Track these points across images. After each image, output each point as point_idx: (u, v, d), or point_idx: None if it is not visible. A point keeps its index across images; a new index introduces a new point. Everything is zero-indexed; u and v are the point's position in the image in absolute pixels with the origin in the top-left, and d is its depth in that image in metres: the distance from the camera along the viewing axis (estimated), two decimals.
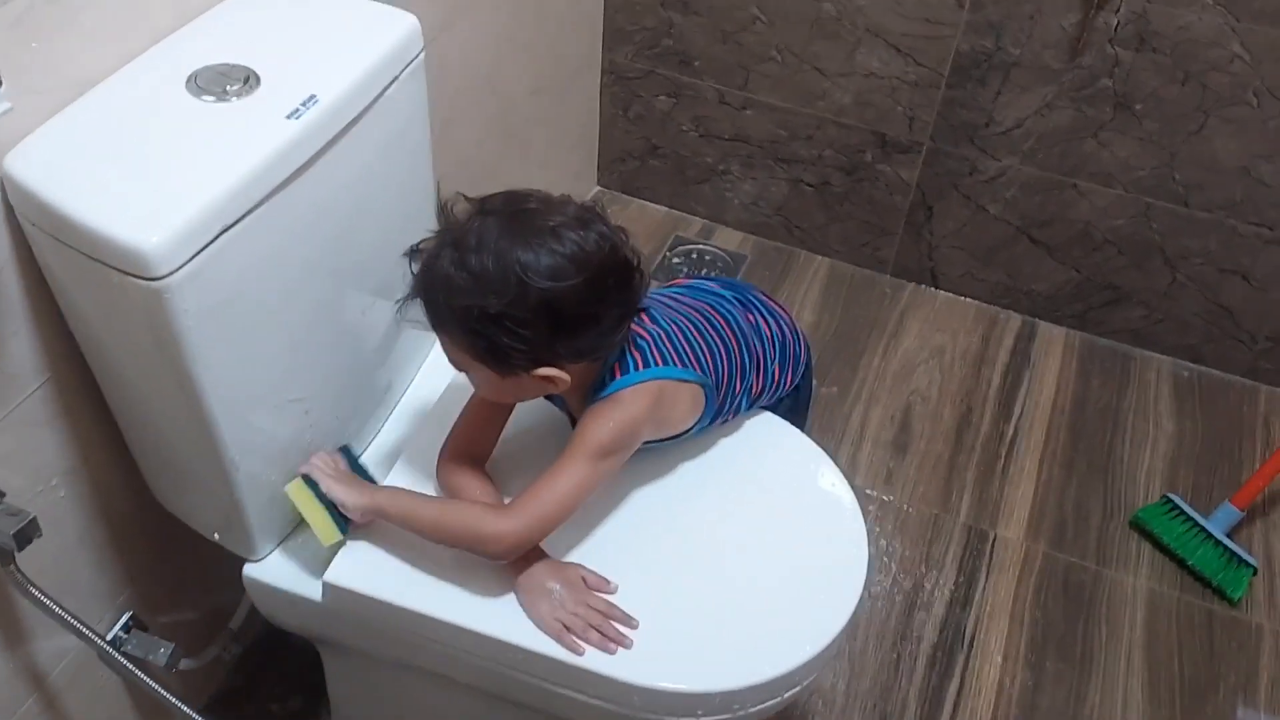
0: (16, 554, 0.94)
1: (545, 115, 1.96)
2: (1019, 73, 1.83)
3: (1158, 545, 1.75)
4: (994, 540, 1.75)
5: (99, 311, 0.93)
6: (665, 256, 2.19)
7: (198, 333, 0.88)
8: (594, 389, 1.09)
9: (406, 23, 1.06)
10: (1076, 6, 1.73)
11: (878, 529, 1.76)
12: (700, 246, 2.23)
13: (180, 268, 0.84)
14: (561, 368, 1.02)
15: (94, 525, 1.13)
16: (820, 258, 2.23)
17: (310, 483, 1.09)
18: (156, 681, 1.13)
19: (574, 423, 1.16)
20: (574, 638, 1.03)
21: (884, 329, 2.09)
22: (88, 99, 0.93)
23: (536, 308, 0.97)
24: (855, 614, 1.09)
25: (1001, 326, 2.12)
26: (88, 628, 1.05)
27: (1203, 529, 1.72)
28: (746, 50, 1.99)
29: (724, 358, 1.17)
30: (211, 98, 0.94)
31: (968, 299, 2.16)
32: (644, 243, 2.21)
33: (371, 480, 1.16)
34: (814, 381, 1.38)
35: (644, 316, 1.12)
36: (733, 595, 1.10)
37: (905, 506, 1.79)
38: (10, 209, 0.89)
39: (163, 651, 1.18)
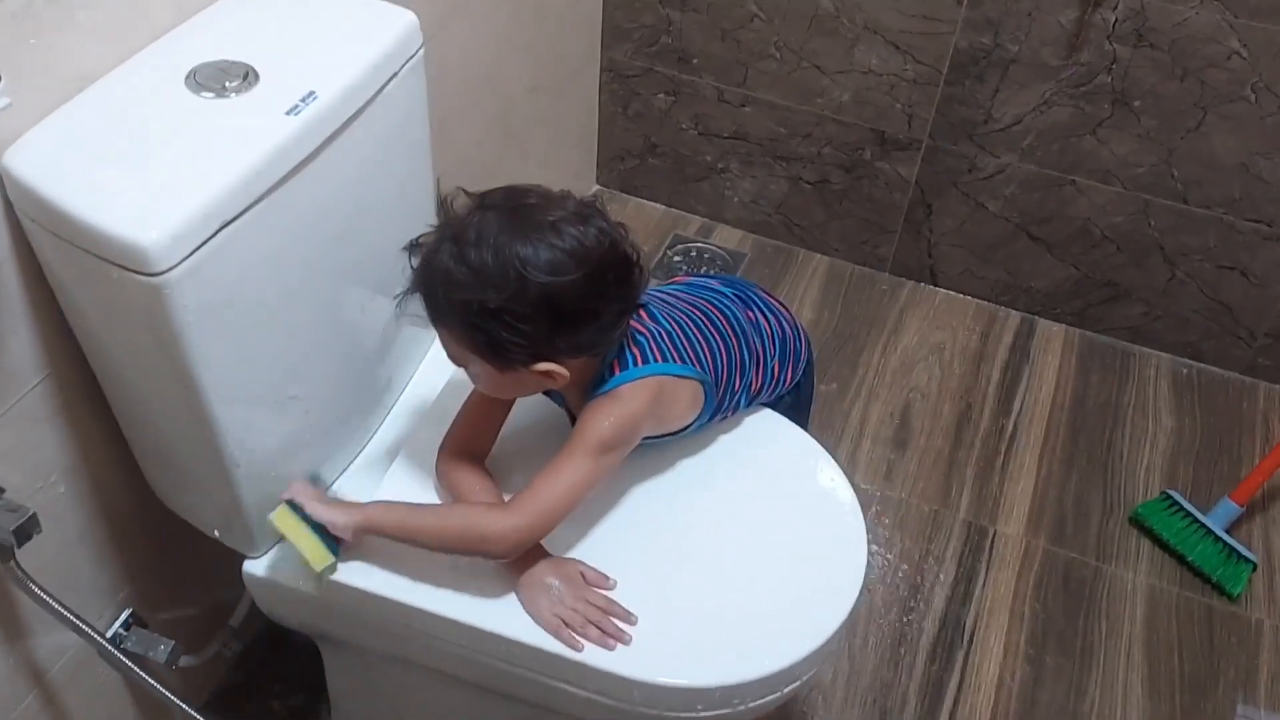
0: (16, 550, 0.94)
1: (544, 113, 1.96)
2: (1017, 69, 1.83)
3: (1157, 541, 1.76)
4: (994, 536, 1.76)
5: (98, 307, 0.94)
6: (665, 255, 2.19)
7: (197, 329, 0.89)
8: (593, 385, 1.09)
9: (405, 19, 1.07)
10: (1074, 3, 1.73)
11: (878, 525, 1.76)
12: (699, 245, 2.23)
13: (179, 263, 0.84)
14: (560, 363, 1.02)
15: (94, 522, 1.14)
16: (819, 255, 2.23)
17: (295, 507, 1.06)
18: (156, 678, 1.13)
19: (572, 418, 1.17)
20: (572, 634, 1.03)
21: (883, 326, 2.09)
22: (87, 95, 0.93)
23: (536, 302, 0.97)
24: (854, 609, 1.09)
25: (1001, 323, 2.12)
26: (87, 624, 1.05)
27: (1202, 525, 1.72)
28: (745, 48, 2.00)
29: (723, 355, 1.17)
30: (211, 94, 0.94)
31: (967, 296, 2.16)
32: (643, 241, 2.21)
33: None
34: (814, 381, 1.38)
35: (643, 313, 1.12)
36: (732, 590, 1.10)
37: (905, 503, 1.79)
38: (9, 205, 0.90)
39: (163, 648, 1.18)
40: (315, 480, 1.15)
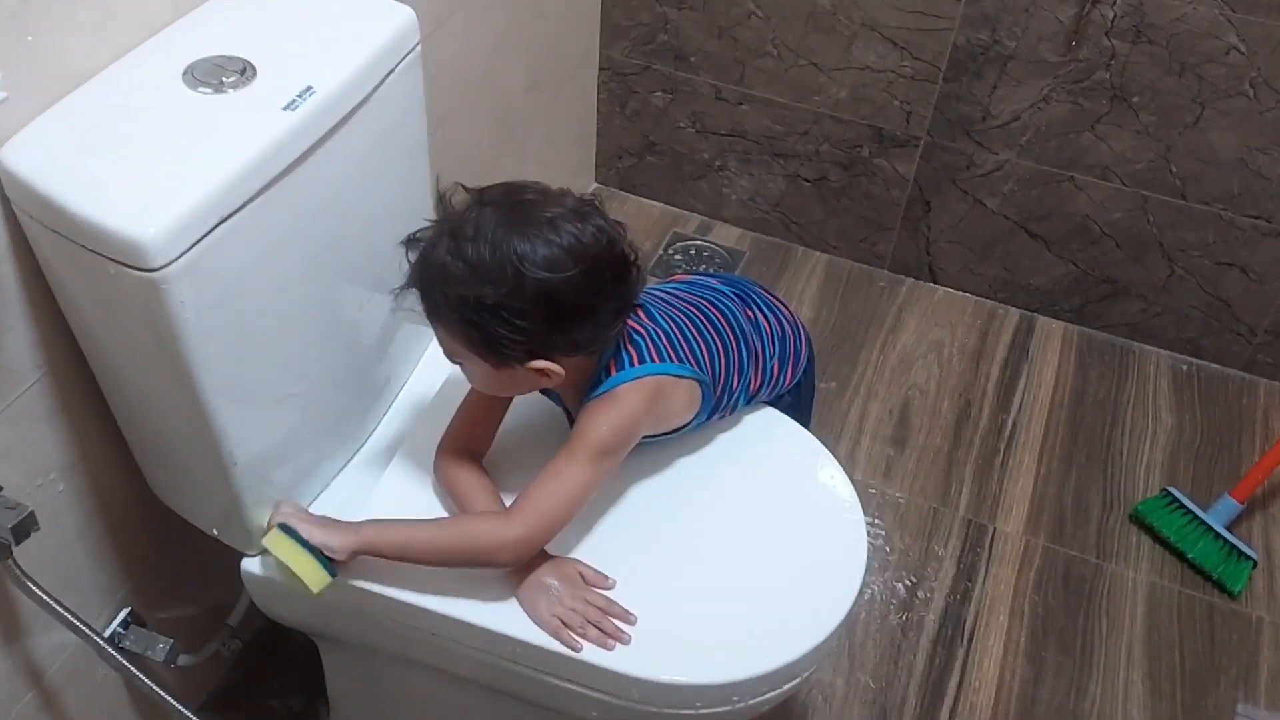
0: (14, 548, 0.94)
1: (542, 111, 1.96)
2: (1015, 66, 1.83)
3: (1157, 539, 1.75)
4: (993, 534, 1.75)
5: (96, 304, 0.93)
6: (664, 253, 2.19)
7: (195, 325, 0.88)
8: (590, 385, 1.08)
9: (403, 15, 1.06)
10: None
11: (877, 523, 1.76)
12: (698, 242, 2.23)
13: (177, 259, 0.84)
14: (556, 361, 1.02)
15: (92, 520, 1.13)
16: (818, 253, 2.22)
17: (288, 530, 1.05)
18: (154, 678, 1.13)
19: (570, 417, 1.16)
20: (572, 634, 1.03)
21: (882, 324, 2.09)
22: (84, 91, 0.93)
23: (532, 299, 0.96)
24: (854, 607, 1.09)
25: (1000, 321, 2.12)
26: (84, 623, 1.05)
27: (1202, 522, 1.72)
28: (742, 45, 1.99)
29: (721, 354, 1.17)
30: (208, 89, 0.93)
31: (966, 293, 2.16)
32: (642, 239, 2.21)
33: None
34: (815, 379, 1.38)
35: (641, 313, 1.12)
36: (732, 588, 1.10)
37: (904, 501, 1.79)
38: (6, 201, 0.89)
39: (161, 647, 1.18)
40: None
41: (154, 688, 1.12)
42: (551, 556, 1.08)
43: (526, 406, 1.19)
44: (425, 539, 1.05)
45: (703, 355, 1.14)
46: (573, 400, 1.13)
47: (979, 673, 1.58)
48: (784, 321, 1.28)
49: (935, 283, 2.17)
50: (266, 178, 0.91)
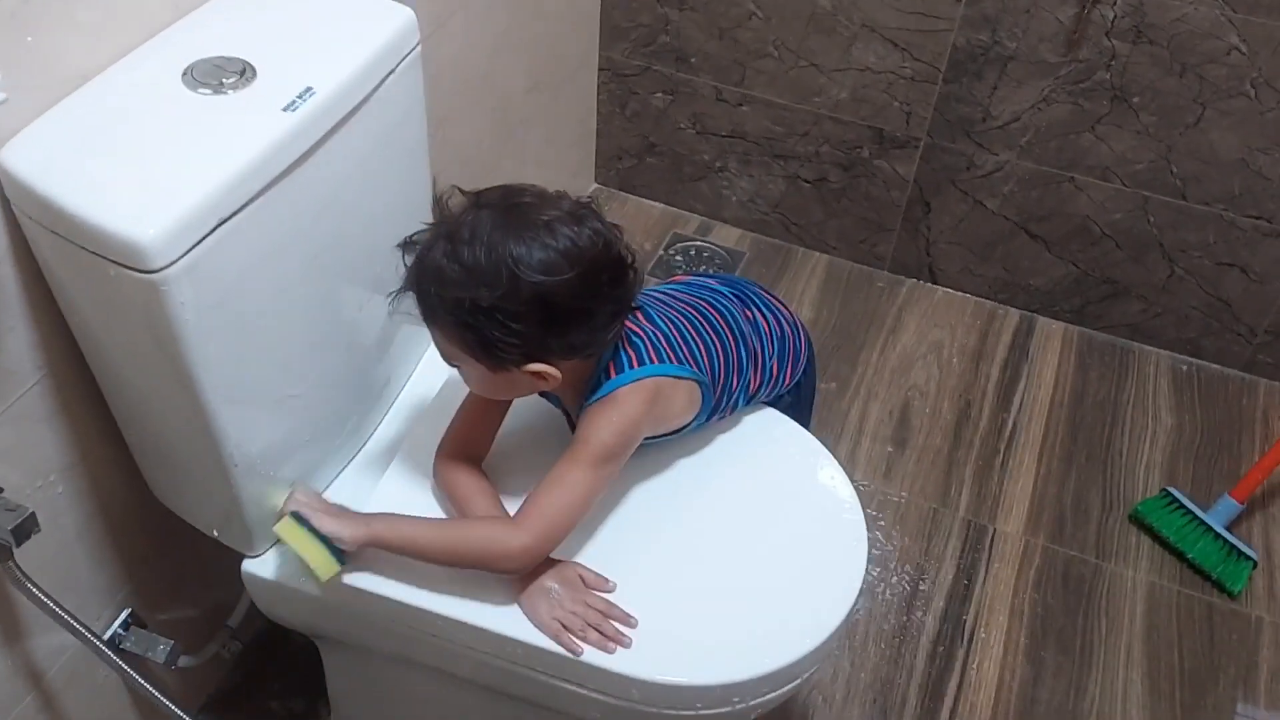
0: (15, 549, 0.94)
1: (542, 112, 1.96)
2: (1015, 66, 1.83)
3: (1157, 539, 1.75)
4: (993, 534, 1.75)
5: (96, 305, 0.93)
6: (664, 253, 2.19)
7: (195, 326, 0.88)
8: (590, 388, 1.08)
9: (403, 16, 1.06)
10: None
11: (877, 524, 1.76)
12: (698, 243, 2.23)
13: (177, 260, 0.84)
14: (553, 364, 1.02)
15: (92, 521, 1.13)
16: (818, 254, 2.23)
17: (299, 519, 1.05)
18: (154, 680, 1.13)
19: (569, 419, 1.17)
20: (572, 637, 1.03)
21: (882, 325, 2.09)
22: (84, 92, 0.93)
23: (529, 301, 0.96)
24: (854, 607, 1.09)
25: (1000, 321, 2.12)
26: (83, 625, 1.05)
27: (1202, 522, 1.72)
28: (743, 46, 1.99)
29: (720, 354, 1.17)
30: (208, 90, 0.93)
31: (966, 294, 2.16)
32: (642, 240, 2.21)
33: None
34: (816, 378, 1.38)
35: (639, 314, 1.12)
36: (732, 588, 1.10)
37: (904, 501, 1.79)
38: (6, 203, 0.89)
39: (162, 648, 1.18)
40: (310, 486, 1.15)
41: (152, 691, 1.12)
42: (552, 560, 1.08)
43: (526, 409, 1.19)
44: (433, 538, 1.05)
45: (702, 356, 1.14)
46: (572, 402, 1.13)
47: (979, 673, 1.58)
48: (783, 321, 1.28)
49: (935, 283, 2.17)
50: (266, 179, 0.91)
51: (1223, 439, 1.92)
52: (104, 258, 0.84)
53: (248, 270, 0.93)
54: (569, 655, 1.02)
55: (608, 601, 1.06)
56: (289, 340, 1.03)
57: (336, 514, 1.07)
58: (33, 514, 0.93)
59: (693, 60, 2.05)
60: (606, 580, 1.08)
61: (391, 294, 1.04)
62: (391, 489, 1.16)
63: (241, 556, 1.14)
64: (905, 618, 1.64)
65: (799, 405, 1.33)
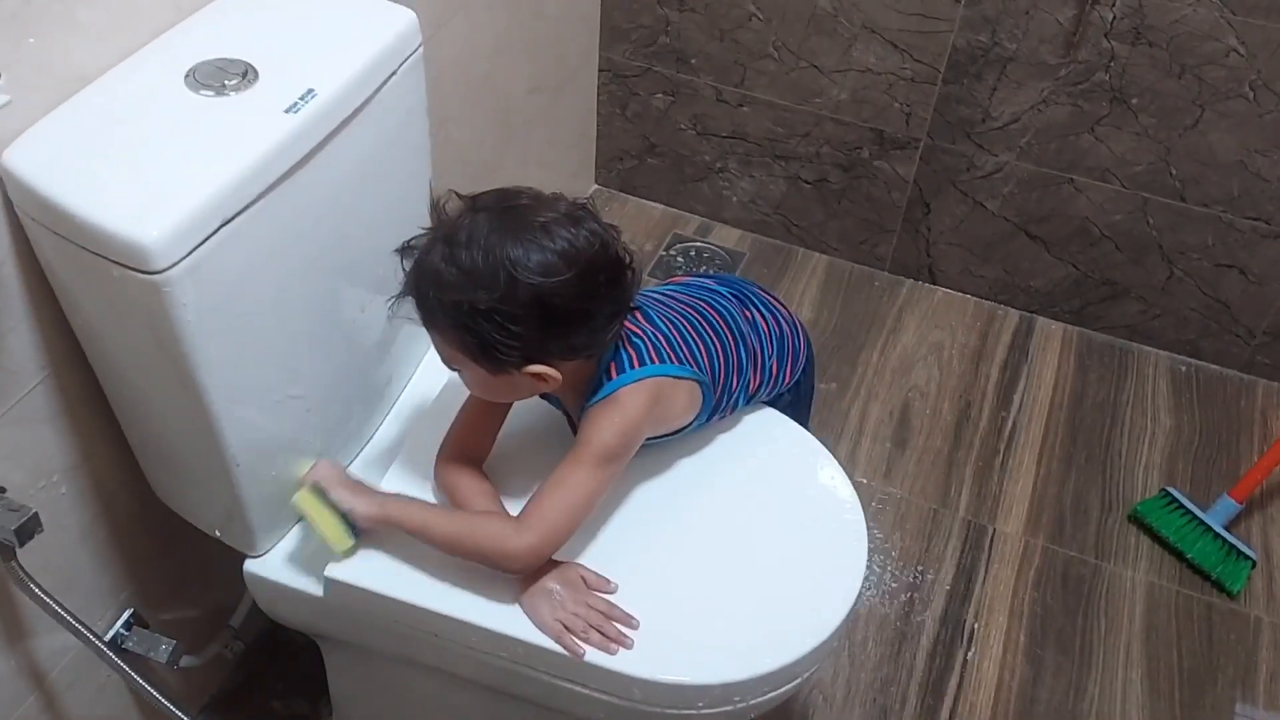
0: (18, 549, 0.94)
1: (543, 113, 1.96)
2: (1015, 68, 1.83)
3: (1156, 539, 1.76)
4: (993, 535, 1.76)
5: (99, 306, 0.94)
6: (664, 254, 2.19)
7: (197, 327, 0.89)
8: (591, 389, 1.09)
9: (405, 18, 1.07)
10: (1072, 1, 1.73)
11: (877, 524, 1.76)
12: (699, 244, 2.23)
13: (179, 261, 0.84)
14: (553, 365, 1.02)
15: (95, 522, 1.14)
16: (818, 255, 2.23)
17: (318, 491, 1.08)
18: (156, 681, 1.13)
19: (571, 421, 1.17)
20: (574, 638, 1.03)
21: (882, 325, 2.10)
22: (86, 93, 0.93)
23: (526, 303, 0.97)
24: (855, 607, 1.10)
25: (999, 322, 2.12)
26: (84, 625, 1.05)
27: (1201, 522, 1.72)
28: (743, 47, 2.00)
29: (720, 354, 1.17)
30: (210, 92, 0.94)
31: (966, 295, 2.16)
32: (643, 241, 2.21)
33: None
34: (815, 377, 1.38)
35: (639, 315, 1.12)
36: (733, 588, 1.10)
37: (904, 501, 1.80)
38: (9, 204, 0.90)
39: (164, 648, 1.18)
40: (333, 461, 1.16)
41: (153, 692, 1.12)
42: (554, 561, 1.08)
43: (527, 410, 1.20)
44: (441, 527, 1.06)
45: (702, 356, 1.14)
46: (573, 404, 1.14)
47: (979, 672, 1.58)
48: (781, 320, 1.28)
49: (935, 284, 2.18)
50: (269, 180, 0.91)
51: (1221, 439, 1.93)
52: (107, 259, 0.84)
53: (250, 271, 0.93)
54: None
55: (609, 603, 1.06)
56: (291, 341, 1.03)
57: (355, 490, 1.09)
58: (36, 514, 0.93)
59: (693, 61, 2.06)
60: (608, 581, 1.08)
61: (391, 299, 1.04)
62: (393, 489, 1.16)
63: (243, 557, 1.15)
64: (905, 618, 1.64)
65: (798, 404, 1.33)
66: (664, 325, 1.13)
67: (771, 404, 1.28)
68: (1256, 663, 1.61)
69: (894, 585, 1.68)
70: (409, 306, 1.03)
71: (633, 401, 1.07)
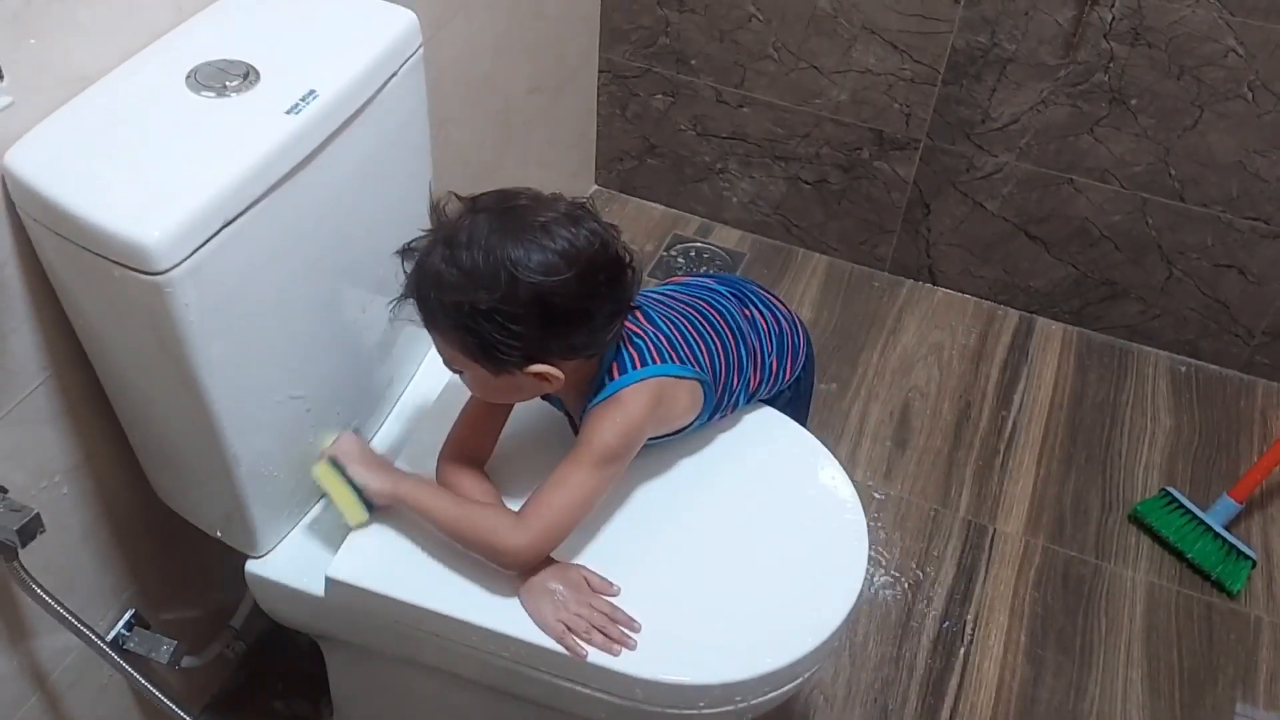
0: (20, 550, 0.94)
1: (543, 114, 1.96)
2: (1015, 68, 1.83)
3: (1156, 539, 1.76)
4: (993, 535, 1.76)
5: (101, 307, 0.94)
6: (664, 255, 2.20)
7: (199, 328, 0.89)
8: (593, 389, 1.09)
9: (405, 19, 1.07)
10: (1071, 2, 1.74)
11: (877, 524, 1.76)
12: (699, 244, 2.23)
13: (181, 262, 0.84)
14: (555, 365, 1.02)
15: (97, 522, 1.14)
16: (818, 255, 2.23)
17: (337, 465, 1.10)
18: (158, 681, 1.13)
19: (572, 422, 1.17)
20: (576, 639, 1.03)
21: (882, 326, 2.10)
22: (88, 95, 0.93)
23: (527, 303, 0.97)
24: (856, 607, 1.10)
25: (999, 323, 2.12)
26: (86, 626, 1.05)
27: (1201, 522, 1.73)
28: (743, 48, 2.00)
29: (721, 354, 1.17)
30: (211, 93, 0.94)
31: (966, 295, 2.16)
32: (643, 241, 2.21)
33: None
34: (814, 374, 1.38)
35: (639, 315, 1.13)
36: (734, 588, 1.10)
37: (905, 501, 1.80)
38: (11, 205, 0.90)
39: (165, 649, 1.18)
40: (357, 431, 1.19)
41: (154, 691, 1.12)
42: (556, 562, 1.08)
43: (528, 412, 1.20)
44: (445, 515, 1.07)
45: (703, 356, 1.15)
46: (574, 405, 1.14)
47: (979, 672, 1.59)
48: (781, 318, 1.28)
49: (935, 285, 2.18)
50: (270, 181, 0.91)
51: (1221, 439, 1.93)
52: (108, 260, 0.84)
53: (251, 272, 0.93)
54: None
55: (612, 605, 1.06)
56: (292, 342, 1.04)
57: (372, 465, 1.11)
58: (37, 515, 0.93)
59: (693, 62, 2.06)
60: (611, 584, 1.08)
61: (392, 301, 1.05)
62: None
63: (245, 557, 1.15)
64: (906, 617, 1.65)
65: (798, 400, 1.33)
66: (665, 325, 1.14)
67: (771, 401, 1.28)
68: (1257, 662, 1.62)
69: (895, 585, 1.68)
70: (410, 308, 1.03)
71: (635, 401, 1.07)
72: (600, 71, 2.14)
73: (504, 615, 1.05)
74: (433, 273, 0.99)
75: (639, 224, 2.25)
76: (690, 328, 1.16)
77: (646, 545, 1.13)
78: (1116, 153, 1.86)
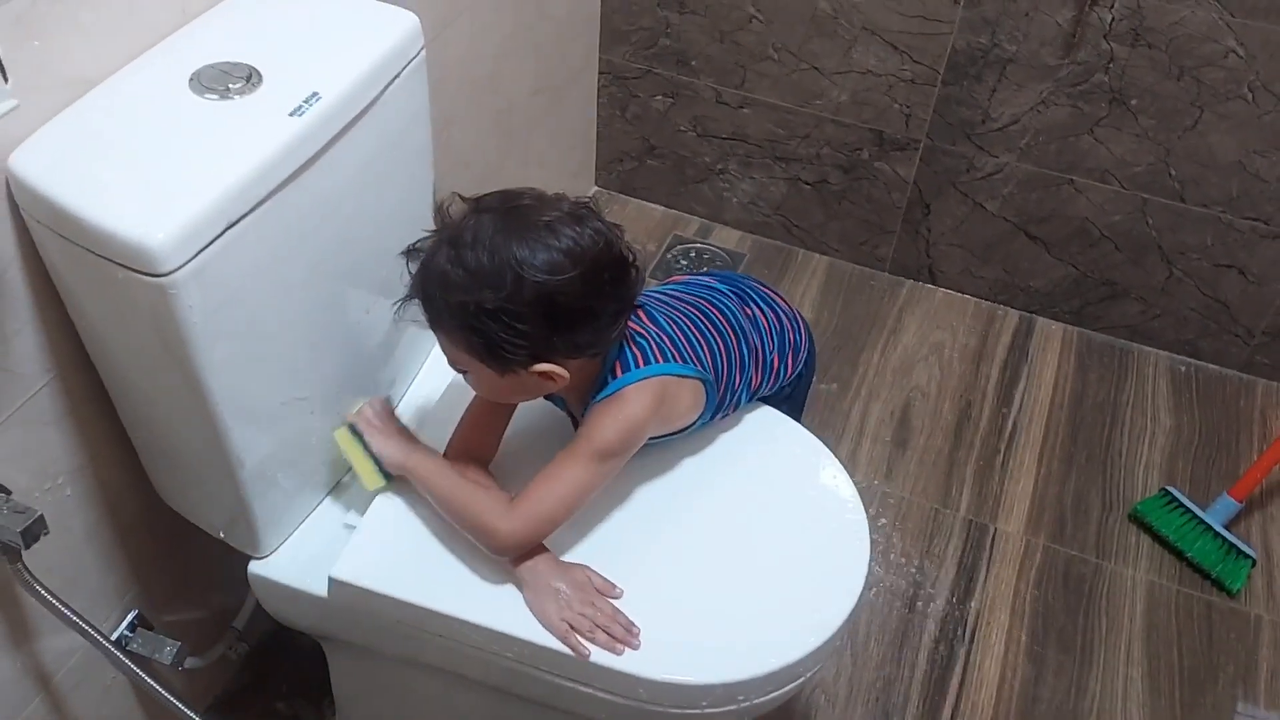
0: (24, 551, 0.94)
1: (544, 115, 1.97)
2: (1015, 69, 1.84)
3: (1157, 538, 1.76)
4: (994, 534, 1.76)
5: (104, 309, 0.94)
6: (665, 256, 2.20)
7: (202, 330, 0.89)
8: (596, 388, 1.09)
9: (408, 21, 1.07)
10: (1071, 3, 1.74)
11: (878, 524, 1.76)
12: (699, 245, 2.23)
13: (185, 264, 0.85)
14: (560, 364, 1.02)
15: (100, 523, 1.14)
16: (819, 256, 2.23)
17: (357, 431, 1.14)
18: (161, 681, 1.13)
19: (575, 422, 1.17)
20: (579, 638, 1.03)
21: (883, 326, 2.10)
22: (91, 97, 0.93)
23: (532, 302, 0.97)
24: (858, 606, 1.10)
25: (1000, 323, 2.13)
26: (92, 627, 1.05)
27: (1201, 521, 1.73)
28: (743, 49, 2.00)
29: (723, 353, 1.17)
30: (214, 96, 0.94)
31: (966, 295, 2.17)
32: (643, 243, 2.21)
33: None
34: (815, 370, 1.39)
35: (642, 315, 1.13)
36: (737, 588, 1.10)
37: (906, 501, 1.80)
38: (16, 207, 0.90)
39: (169, 650, 1.18)
40: (387, 399, 1.21)
41: (160, 690, 1.12)
42: (561, 562, 1.09)
43: (531, 412, 1.20)
44: (444, 489, 1.09)
45: (705, 355, 1.15)
46: (578, 404, 1.14)
47: (980, 672, 1.59)
48: (781, 315, 1.28)
49: (935, 285, 2.18)
50: (273, 183, 0.91)
51: (1221, 439, 1.93)
52: (112, 261, 0.85)
53: (255, 274, 0.93)
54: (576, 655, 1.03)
55: (615, 607, 1.06)
56: (295, 343, 1.04)
57: (389, 435, 1.14)
58: (41, 516, 0.93)
59: (693, 63, 2.06)
60: (614, 586, 1.08)
61: (397, 302, 1.05)
62: (398, 489, 1.16)
63: (248, 558, 1.15)
64: (907, 617, 1.65)
65: (796, 396, 1.34)
66: (667, 325, 1.14)
67: (774, 395, 1.28)
68: (1257, 661, 1.62)
69: (896, 584, 1.69)
70: (415, 309, 1.04)
71: (638, 400, 1.07)
72: (600, 73, 2.14)
73: (507, 615, 1.05)
74: (438, 273, 0.99)
75: (639, 225, 2.26)
76: (692, 327, 1.16)
77: (649, 545, 1.13)
78: (1117, 153, 1.87)
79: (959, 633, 1.63)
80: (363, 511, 1.15)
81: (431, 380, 1.31)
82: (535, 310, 0.98)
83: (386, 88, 1.04)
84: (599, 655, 1.02)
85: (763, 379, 1.24)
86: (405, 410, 1.28)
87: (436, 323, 1.03)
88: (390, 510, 1.14)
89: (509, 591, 1.07)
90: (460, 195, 1.04)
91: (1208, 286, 1.97)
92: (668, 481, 1.19)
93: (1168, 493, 1.77)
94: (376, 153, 1.05)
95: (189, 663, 1.23)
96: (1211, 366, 2.06)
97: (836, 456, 1.23)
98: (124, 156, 0.89)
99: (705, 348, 1.15)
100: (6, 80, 0.86)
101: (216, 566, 1.25)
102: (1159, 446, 1.91)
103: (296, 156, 0.93)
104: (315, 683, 1.44)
